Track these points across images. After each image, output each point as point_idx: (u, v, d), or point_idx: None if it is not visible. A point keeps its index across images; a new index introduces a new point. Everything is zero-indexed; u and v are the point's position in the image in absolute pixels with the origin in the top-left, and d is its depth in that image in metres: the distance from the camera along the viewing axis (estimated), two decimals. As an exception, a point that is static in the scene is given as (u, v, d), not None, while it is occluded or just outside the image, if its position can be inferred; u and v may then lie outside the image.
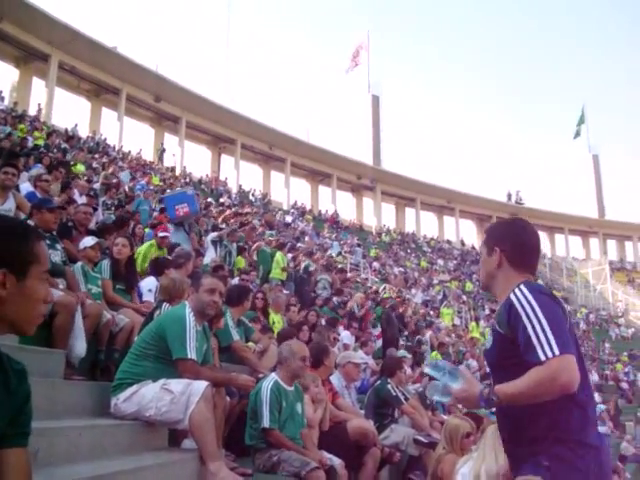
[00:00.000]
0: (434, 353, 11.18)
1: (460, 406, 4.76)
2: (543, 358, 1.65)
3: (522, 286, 1.81)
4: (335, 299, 10.40)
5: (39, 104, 23.22)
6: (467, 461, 3.73)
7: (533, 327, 1.70)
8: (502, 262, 1.95)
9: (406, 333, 11.78)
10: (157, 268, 5.64)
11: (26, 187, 6.69)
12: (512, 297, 1.80)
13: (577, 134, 42.87)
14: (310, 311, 8.14)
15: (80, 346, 3.84)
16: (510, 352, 1.78)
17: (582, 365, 1.75)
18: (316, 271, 11.73)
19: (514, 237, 1.98)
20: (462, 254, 35.84)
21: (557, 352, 1.64)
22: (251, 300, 6.01)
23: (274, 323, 7.11)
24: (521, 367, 1.70)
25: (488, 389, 1.75)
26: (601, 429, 11.89)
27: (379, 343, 9.74)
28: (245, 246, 10.39)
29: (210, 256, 8.55)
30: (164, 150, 28.00)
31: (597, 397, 17.84)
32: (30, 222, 4.39)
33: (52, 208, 4.61)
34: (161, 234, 7.22)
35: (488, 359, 1.99)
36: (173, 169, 25.97)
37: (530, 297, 1.76)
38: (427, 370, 2.00)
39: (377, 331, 10.31)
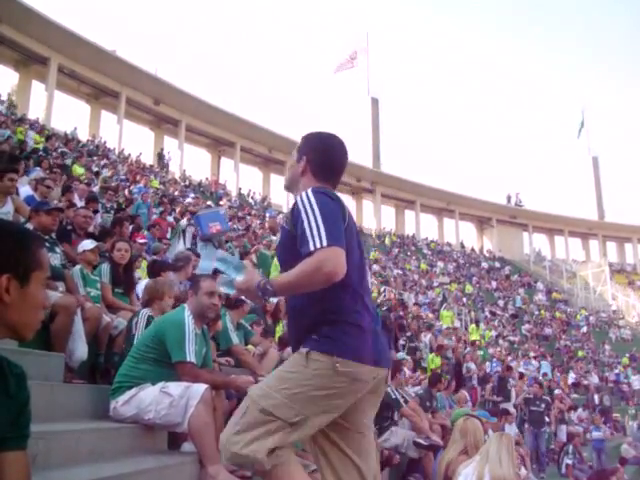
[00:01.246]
0: (431, 355, 11.17)
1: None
2: (312, 249, 1.75)
3: (309, 189, 1.93)
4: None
5: (9, 93, 23.20)
6: (469, 464, 3.74)
7: (309, 221, 1.80)
8: (306, 170, 2.07)
9: (409, 334, 11.74)
10: (155, 271, 5.63)
11: (25, 190, 6.65)
12: (298, 197, 1.92)
13: (579, 136, 43.11)
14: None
15: (81, 349, 3.82)
16: (293, 247, 1.87)
17: (361, 263, 1.97)
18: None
19: (322, 150, 2.09)
20: (462, 256, 35.83)
21: (325, 243, 1.74)
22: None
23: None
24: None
25: (265, 280, 1.84)
26: (596, 434, 11.76)
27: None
28: (248, 250, 10.36)
29: (179, 248, 8.17)
30: (163, 155, 28.01)
31: (596, 399, 17.83)
32: (29, 225, 4.39)
33: (49, 210, 4.59)
34: (140, 240, 7.28)
35: (278, 256, 2.14)
36: (166, 167, 25.98)
37: (311, 196, 1.88)
38: (215, 264, 2.08)
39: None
